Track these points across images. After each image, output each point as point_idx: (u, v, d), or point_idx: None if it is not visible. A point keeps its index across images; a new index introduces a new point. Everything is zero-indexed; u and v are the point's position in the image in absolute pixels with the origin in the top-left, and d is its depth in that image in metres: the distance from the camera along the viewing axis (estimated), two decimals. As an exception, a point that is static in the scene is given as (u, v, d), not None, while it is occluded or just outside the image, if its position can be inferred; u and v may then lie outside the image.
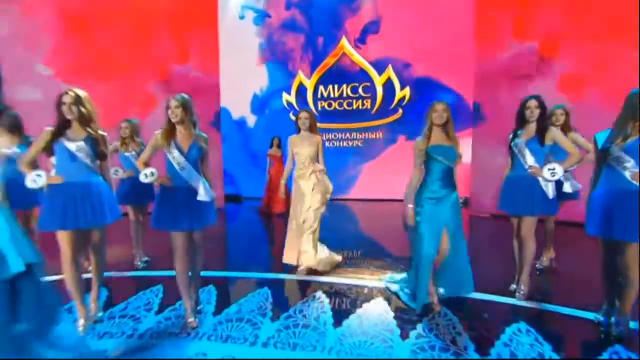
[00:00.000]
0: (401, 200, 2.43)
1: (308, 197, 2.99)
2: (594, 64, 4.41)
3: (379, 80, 6.68)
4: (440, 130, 2.26)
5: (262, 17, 6.97)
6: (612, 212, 1.82)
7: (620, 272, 1.89)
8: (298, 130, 3.05)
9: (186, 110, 2.14)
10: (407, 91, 6.60)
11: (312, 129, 3.03)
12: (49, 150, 2.06)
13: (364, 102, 6.82)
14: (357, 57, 6.71)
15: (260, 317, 2.27)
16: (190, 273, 2.20)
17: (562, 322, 2.17)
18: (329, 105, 6.94)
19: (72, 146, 2.04)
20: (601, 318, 2.04)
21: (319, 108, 6.94)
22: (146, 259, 3.37)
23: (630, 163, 1.84)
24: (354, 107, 6.84)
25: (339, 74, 6.83)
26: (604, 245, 1.97)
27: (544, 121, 2.31)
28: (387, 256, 3.51)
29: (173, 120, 2.13)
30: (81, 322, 2.12)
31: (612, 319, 1.98)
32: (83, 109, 2.05)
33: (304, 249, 2.97)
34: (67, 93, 2.03)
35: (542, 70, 4.77)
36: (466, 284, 2.37)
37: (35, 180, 1.95)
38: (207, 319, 2.26)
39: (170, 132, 2.17)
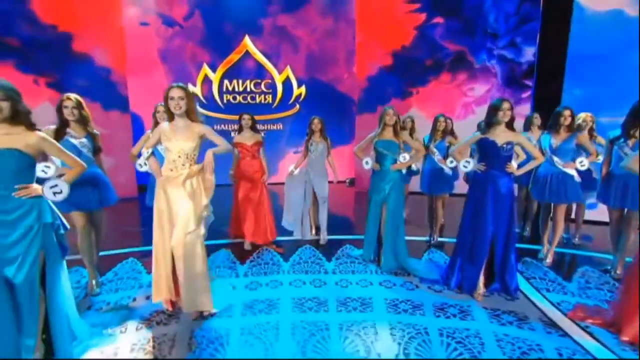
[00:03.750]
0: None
1: (178, 214, 2.34)
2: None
3: (279, 78, 7.97)
4: (391, 129, 3.23)
5: (168, 24, 7.26)
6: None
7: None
8: (171, 117, 2.38)
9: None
10: (303, 89, 8.12)
11: (190, 114, 2.35)
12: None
13: (266, 97, 8.02)
14: (259, 55, 7.81)
15: (232, 263, 3.42)
16: None
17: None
18: (234, 98, 7.87)
19: (76, 142, 2.69)
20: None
21: (225, 101, 7.81)
22: None
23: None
24: (257, 101, 7.98)
25: (242, 70, 7.80)
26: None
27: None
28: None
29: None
30: None
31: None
32: (84, 112, 2.71)
33: (184, 291, 2.40)
34: (68, 97, 2.65)
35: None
36: (401, 257, 3.29)
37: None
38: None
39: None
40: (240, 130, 3.76)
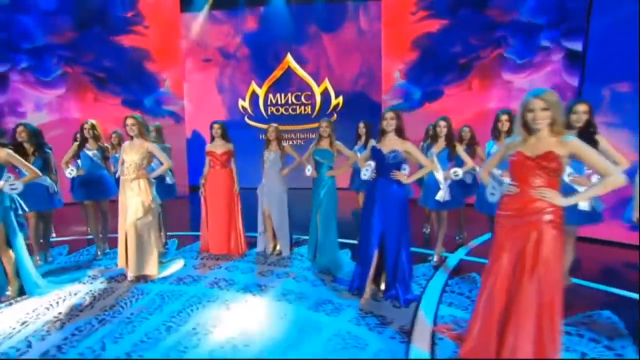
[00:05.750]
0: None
1: (130, 206, 3.33)
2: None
3: (317, 90, 8.66)
4: (327, 139, 3.70)
5: (225, 56, 8.82)
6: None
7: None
8: (130, 137, 3.37)
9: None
10: (340, 99, 8.62)
11: (141, 135, 3.33)
12: (77, 155, 3.93)
13: (305, 107, 8.79)
14: (300, 70, 8.65)
15: (199, 250, 4.23)
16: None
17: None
18: (277, 110, 8.89)
19: (90, 153, 3.91)
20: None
21: (269, 112, 8.88)
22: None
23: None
24: (298, 112, 8.82)
25: (284, 84, 8.76)
26: None
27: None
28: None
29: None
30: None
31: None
32: (96, 132, 3.93)
33: (131, 260, 3.35)
34: (87, 122, 3.89)
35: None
36: (331, 260, 3.61)
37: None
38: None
39: None
40: (212, 139, 4.05)
